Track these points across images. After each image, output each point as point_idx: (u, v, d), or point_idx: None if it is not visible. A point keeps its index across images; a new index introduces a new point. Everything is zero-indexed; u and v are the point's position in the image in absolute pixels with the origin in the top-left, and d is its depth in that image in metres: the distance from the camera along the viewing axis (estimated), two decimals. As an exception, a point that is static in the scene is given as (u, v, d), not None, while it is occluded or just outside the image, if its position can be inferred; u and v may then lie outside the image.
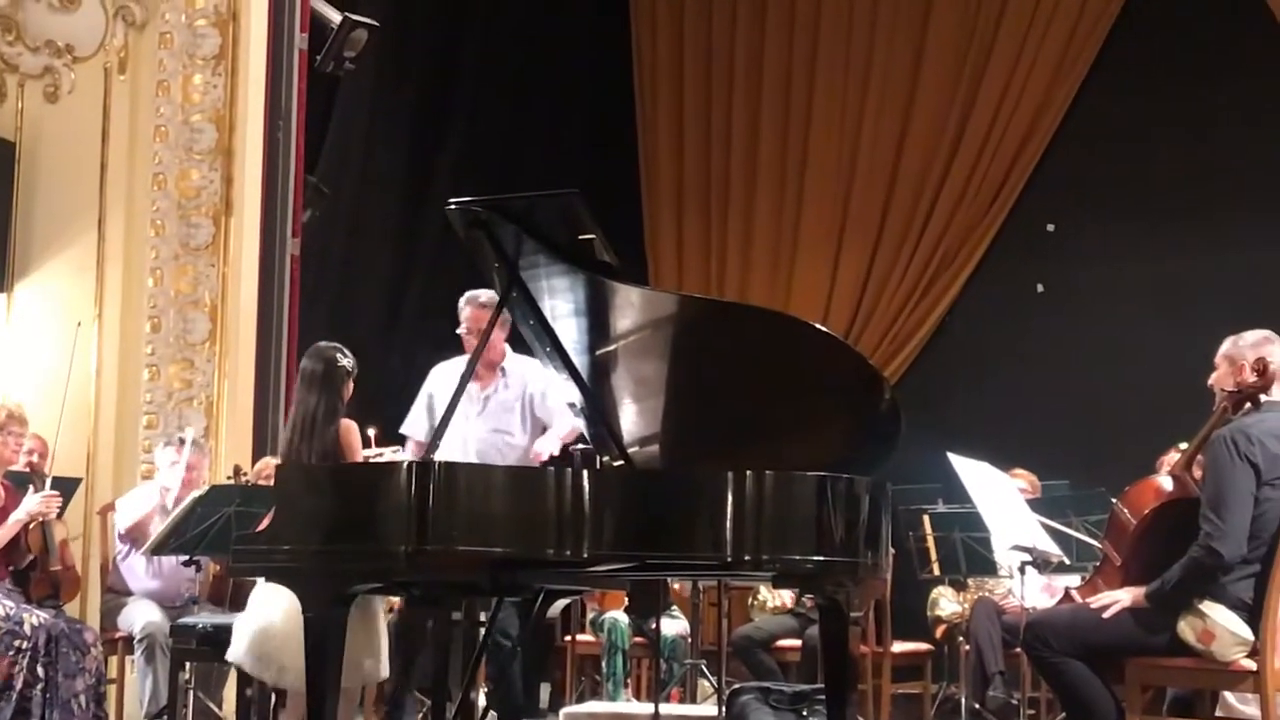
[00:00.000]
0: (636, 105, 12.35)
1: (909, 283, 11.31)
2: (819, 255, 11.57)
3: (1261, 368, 5.28)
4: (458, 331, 7.42)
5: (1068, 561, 6.58)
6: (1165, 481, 5.49)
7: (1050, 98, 11.02)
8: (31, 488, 6.95)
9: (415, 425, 7.38)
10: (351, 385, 6.46)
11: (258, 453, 8.17)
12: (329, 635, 5.65)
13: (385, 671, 6.23)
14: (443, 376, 7.38)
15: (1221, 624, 5.06)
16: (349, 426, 6.10)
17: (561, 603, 6.69)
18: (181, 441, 7.44)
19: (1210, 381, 5.53)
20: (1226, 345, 5.49)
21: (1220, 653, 5.08)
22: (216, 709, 7.28)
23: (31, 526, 6.98)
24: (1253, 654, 5.07)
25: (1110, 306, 10.61)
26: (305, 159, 8.88)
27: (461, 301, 7.42)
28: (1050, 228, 11.08)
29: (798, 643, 8.13)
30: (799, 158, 11.74)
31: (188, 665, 6.60)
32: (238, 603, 7.20)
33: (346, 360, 6.39)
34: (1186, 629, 5.11)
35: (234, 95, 8.56)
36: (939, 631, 8.61)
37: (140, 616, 7.00)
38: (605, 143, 12.11)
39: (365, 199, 10.56)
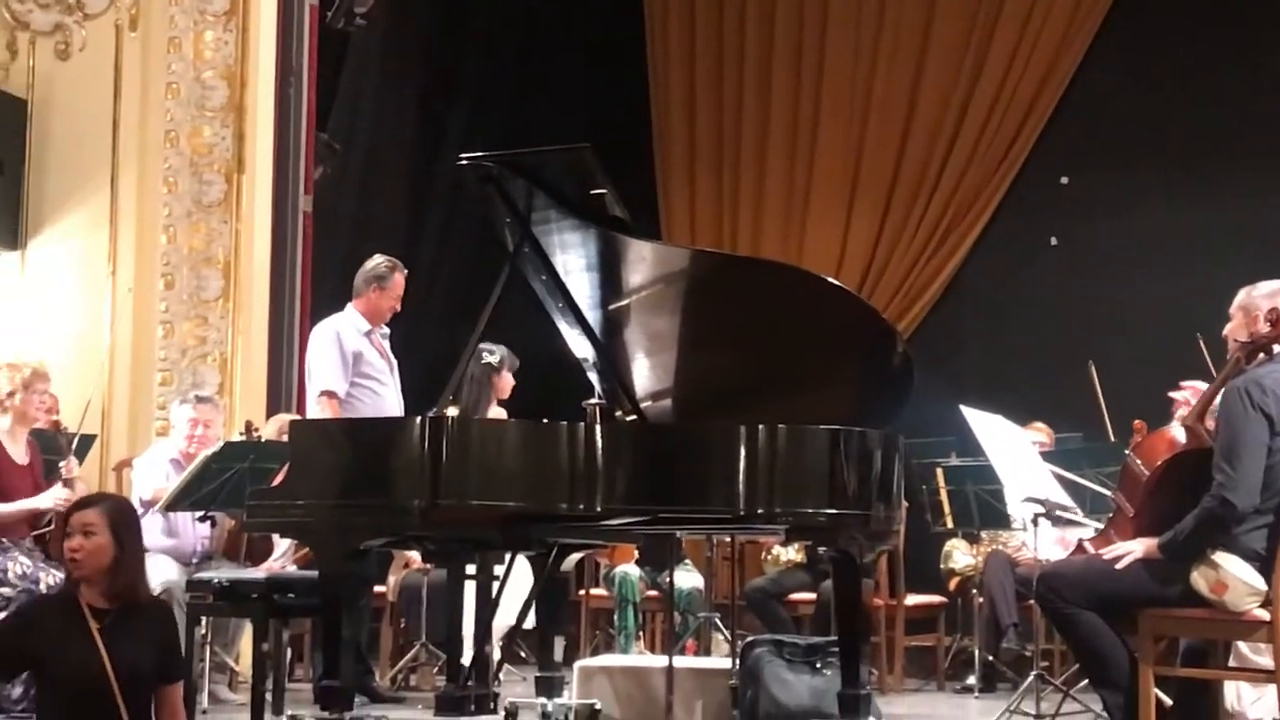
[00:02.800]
0: (648, 60, 12.30)
1: (922, 236, 11.28)
2: (832, 209, 11.54)
3: (1275, 318, 5.26)
4: (394, 299, 7.41)
5: (1080, 515, 6.58)
6: (1178, 432, 5.48)
7: (1063, 50, 10.96)
8: (61, 476, 6.95)
9: (337, 381, 7.30)
10: (506, 375, 6.83)
11: (271, 409, 8.20)
12: (343, 590, 5.68)
13: None
14: (350, 333, 7.32)
15: (1234, 574, 5.06)
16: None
17: (575, 557, 6.70)
18: (199, 399, 7.47)
19: (1224, 332, 5.52)
20: (1241, 296, 5.48)
21: (1233, 603, 5.08)
22: (233, 663, 7.32)
23: (54, 483, 7.02)
24: (1266, 604, 5.06)
25: (1124, 259, 10.58)
26: (316, 116, 8.88)
27: (397, 273, 7.40)
28: (1064, 181, 11.03)
29: (811, 596, 8.15)
30: (811, 112, 11.69)
31: (204, 620, 6.63)
32: (253, 557, 7.24)
33: (492, 357, 7.08)
34: (1199, 580, 5.11)
35: (245, 52, 8.56)
36: (952, 584, 8.63)
37: (156, 572, 7.01)
38: (617, 97, 12.07)
39: (376, 155, 10.55)
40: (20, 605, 4.51)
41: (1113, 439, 7.75)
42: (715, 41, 12.10)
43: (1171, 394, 6.44)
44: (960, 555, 8.57)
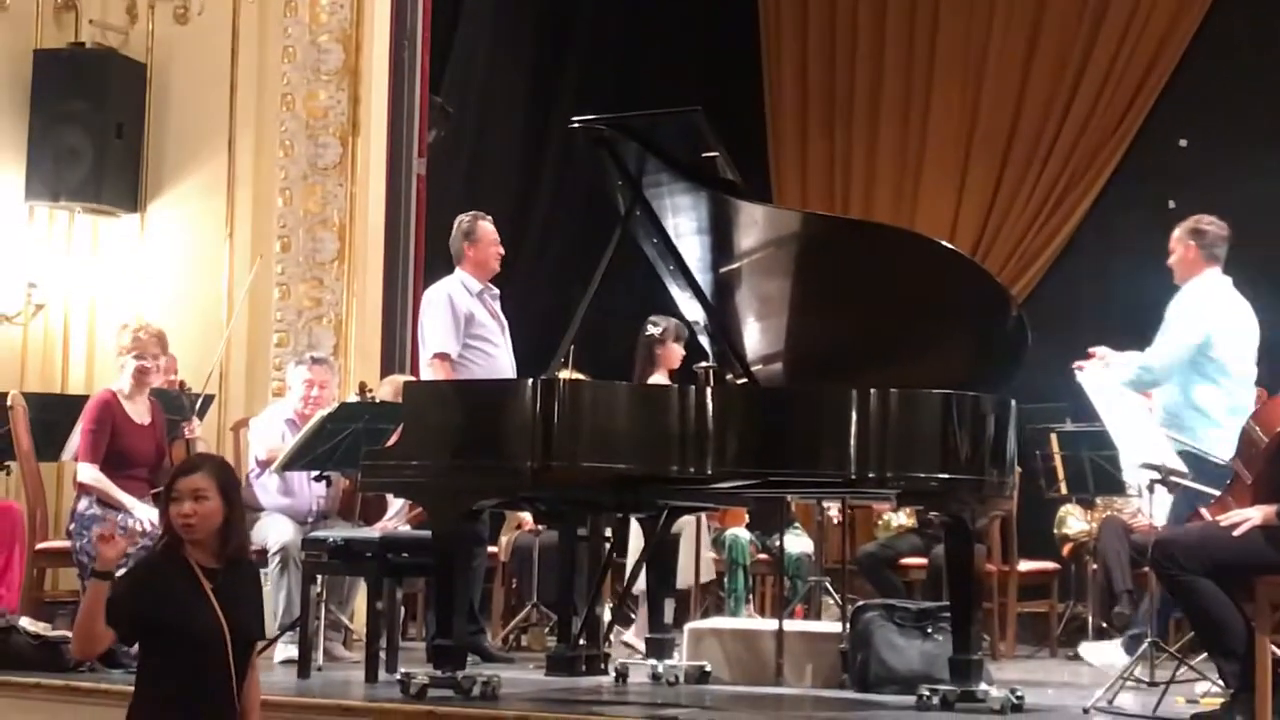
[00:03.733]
0: (760, 21, 12.24)
1: (1037, 200, 11.16)
2: (945, 171, 11.44)
3: (1400, 284, 5.17)
4: (491, 245, 7.39)
5: (1194, 484, 6.51)
6: (1298, 399, 5.41)
7: (1183, 11, 10.78)
8: (184, 435, 7.10)
9: (450, 343, 7.27)
10: (672, 346, 7.53)
11: (385, 370, 8.27)
12: (456, 550, 5.74)
13: None
14: (462, 295, 7.31)
15: (1354, 542, 4.99)
16: None
17: (686, 520, 6.72)
18: (314, 360, 7.55)
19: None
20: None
21: (1353, 571, 5.01)
22: (348, 621, 7.41)
23: (176, 443, 7.15)
24: (1387, 573, 4.99)
25: (1242, 223, 10.36)
26: (430, 79, 8.92)
27: (480, 221, 7.39)
28: (1182, 144, 10.86)
29: (923, 561, 8.11)
30: (925, 73, 11.59)
31: (319, 579, 6.71)
32: (367, 517, 7.32)
33: (654, 329, 7.41)
34: (1319, 548, 5.05)
35: (360, 15, 8.62)
36: (1066, 550, 8.56)
37: (273, 531, 7.12)
38: (728, 60, 12.02)
39: (489, 118, 10.60)
40: (131, 568, 4.57)
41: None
42: (828, 2, 12.01)
43: None
44: (1075, 521, 8.49)
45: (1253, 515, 5.19)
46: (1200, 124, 10.74)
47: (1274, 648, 5.20)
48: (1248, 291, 7.26)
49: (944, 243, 5.85)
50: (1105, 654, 7.04)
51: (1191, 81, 10.79)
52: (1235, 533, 5.18)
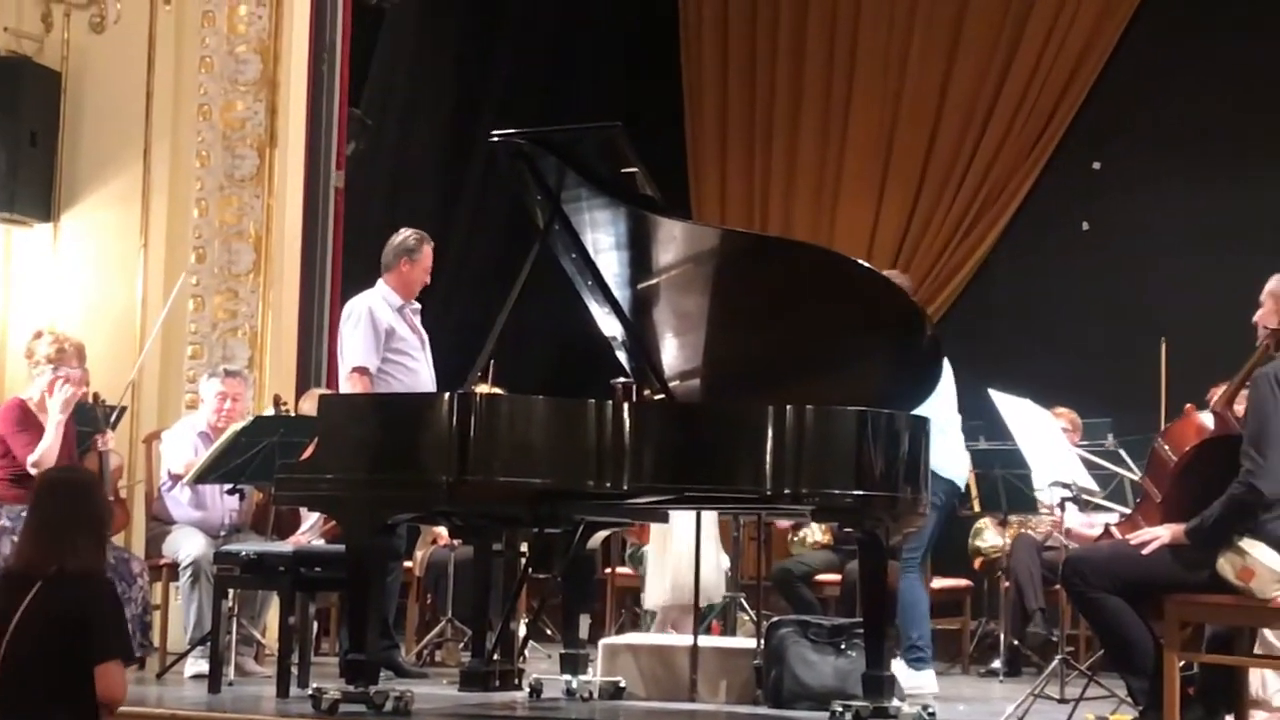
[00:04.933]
0: (681, 39, 12.28)
1: (953, 220, 11.26)
2: (863, 190, 11.52)
3: (1306, 306, 5.24)
4: (424, 271, 7.37)
5: (1105, 501, 6.59)
6: (1206, 419, 5.47)
7: (1096, 35, 10.91)
8: (97, 447, 7.05)
9: (369, 357, 7.21)
10: None
11: (301, 384, 8.23)
12: (370, 564, 5.71)
13: None
14: (383, 308, 7.29)
15: (1261, 561, 5.04)
16: None
17: (601, 535, 6.72)
18: (227, 373, 7.51)
19: (1255, 319, 5.50)
20: (1272, 283, 5.46)
21: (1260, 590, 5.06)
22: (259, 635, 7.36)
23: (88, 455, 7.08)
24: (1292, 592, 5.05)
25: (1155, 244, 10.54)
26: (349, 91, 8.89)
27: (425, 245, 7.36)
28: (1096, 166, 10.99)
29: (837, 577, 8.15)
30: (844, 91, 11.66)
31: (231, 592, 6.66)
32: (281, 530, 7.27)
33: None
34: (1226, 566, 5.10)
35: (279, 26, 8.57)
36: (978, 563, 8.63)
37: (185, 544, 7.06)
38: (649, 76, 12.06)
39: (409, 132, 10.56)
40: None
41: (1164, 423, 7.72)
42: (749, 20, 12.07)
43: None
44: (990, 535, 8.57)
45: (1161, 534, 5.25)
46: (1114, 147, 10.88)
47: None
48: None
49: (860, 261, 5.89)
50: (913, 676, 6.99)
51: (1105, 105, 10.92)
52: (1144, 551, 5.24)
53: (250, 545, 6.64)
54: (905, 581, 6.90)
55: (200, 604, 6.89)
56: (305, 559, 6.40)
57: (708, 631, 7.86)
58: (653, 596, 8.06)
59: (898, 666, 6.52)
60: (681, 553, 7.73)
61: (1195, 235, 10.36)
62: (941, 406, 6.50)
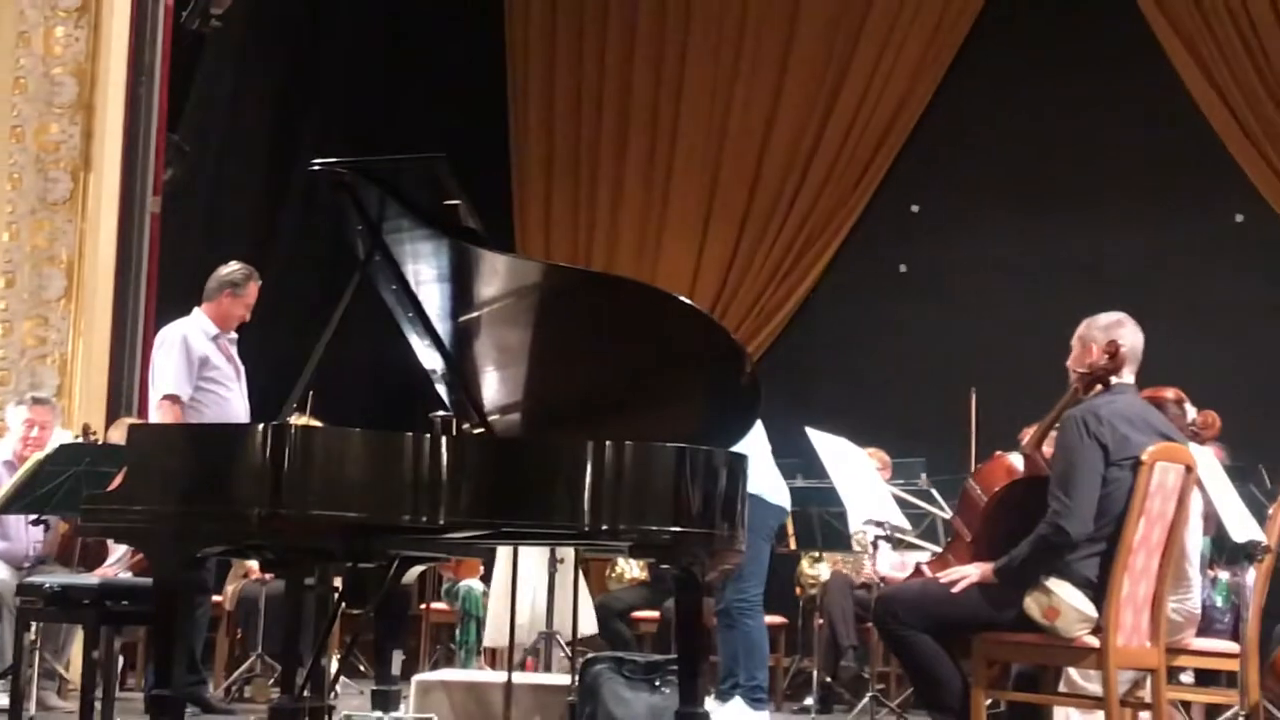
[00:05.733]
0: (508, 73, 12.30)
1: (774, 259, 11.39)
2: (686, 229, 11.61)
3: (1113, 350, 5.36)
4: (246, 307, 7.29)
5: (917, 540, 6.68)
6: (1016, 460, 5.56)
7: (916, 82, 11.14)
8: None
9: (182, 385, 7.14)
10: None
11: (112, 412, 8.06)
12: (178, 598, 5.59)
13: None
14: (198, 337, 7.20)
15: (1066, 601, 5.14)
16: None
17: (416, 570, 6.65)
18: (34, 400, 7.33)
19: (1068, 362, 5.61)
20: (1081, 327, 5.57)
21: (1065, 629, 5.16)
22: (63, 670, 7.18)
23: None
24: (1096, 631, 5.15)
25: (971, 287, 10.76)
26: (168, 116, 8.75)
27: (252, 282, 7.30)
28: (914, 209, 11.20)
29: (655, 614, 8.16)
30: (669, 130, 11.76)
31: (34, 625, 6.49)
32: (87, 562, 7.10)
33: None
34: (1032, 605, 5.18)
35: (96, 49, 8.43)
36: (798, 591, 8.72)
37: (-13, 575, 6.88)
38: (475, 108, 12.04)
39: (229, 159, 10.42)
40: None
41: (975, 463, 7.86)
42: (576, 56, 12.12)
43: None
44: (823, 566, 8.65)
45: (971, 572, 5.32)
46: (931, 191, 11.09)
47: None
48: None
49: (682, 298, 5.90)
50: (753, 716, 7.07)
51: (924, 150, 11.14)
52: (954, 589, 5.31)
53: (55, 577, 6.48)
54: (754, 620, 6.95)
55: (1, 637, 6.71)
56: (111, 592, 6.25)
57: (522, 668, 7.83)
58: (499, 631, 7.94)
59: (737, 705, 6.56)
60: (537, 586, 7.69)
61: (1009, 277, 10.59)
62: (756, 439, 6.55)
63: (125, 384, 8.28)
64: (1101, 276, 10.05)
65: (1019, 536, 5.25)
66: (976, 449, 8.17)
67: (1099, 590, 5.16)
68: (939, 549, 6.08)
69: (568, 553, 7.61)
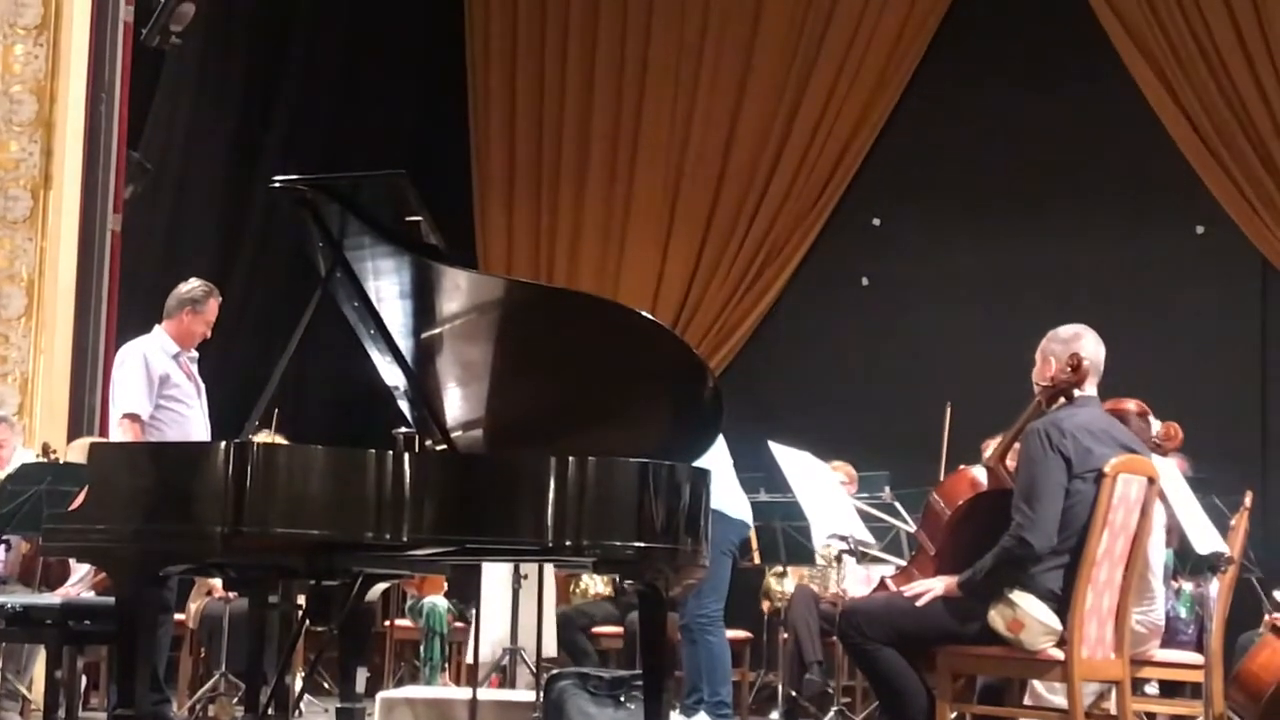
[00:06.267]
0: (469, 88, 12.29)
1: (736, 274, 11.40)
2: (648, 244, 11.62)
3: (1075, 363, 5.38)
4: (206, 324, 7.26)
5: (881, 553, 6.69)
6: (979, 473, 5.58)
7: (876, 96, 11.17)
8: None
9: (142, 403, 7.10)
10: None
11: (73, 430, 8.02)
12: (141, 617, 5.57)
13: None
14: (158, 355, 7.18)
15: (1030, 613, 5.15)
16: None
17: (380, 587, 6.64)
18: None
19: (1032, 375, 5.62)
20: (1045, 340, 5.59)
21: (1029, 642, 5.17)
22: (25, 691, 7.13)
23: None
24: (1060, 643, 5.16)
25: (934, 300, 10.79)
26: (128, 134, 8.72)
27: (212, 299, 7.28)
28: (876, 222, 11.24)
29: (619, 629, 8.15)
30: (630, 145, 11.77)
31: (-5, 646, 6.46)
32: (49, 582, 7.06)
33: None
34: (997, 618, 5.20)
35: (56, 67, 8.38)
36: (765, 606, 8.72)
37: (-53, 596, 6.82)
38: (436, 125, 12.04)
39: (190, 176, 10.39)
40: None
41: (943, 476, 7.86)
42: (537, 70, 12.13)
43: None
44: (788, 582, 8.65)
45: (935, 586, 5.33)
46: (893, 204, 11.12)
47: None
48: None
49: (644, 313, 5.90)
50: None
51: (885, 163, 11.17)
52: (918, 603, 5.32)
53: (17, 597, 6.44)
54: (715, 636, 6.95)
55: (-38, 658, 6.66)
56: (74, 612, 6.22)
57: (487, 684, 7.80)
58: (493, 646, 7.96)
59: None
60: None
61: (971, 290, 10.63)
62: (718, 454, 6.56)
63: (86, 402, 8.23)
64: (1063, 289, 10.10)
65: (983, 549, 5.27)
66: (947, 463, 8.18)
67: (1063, 602, 5.18)
68: (903, 562, 6.09)
69: (531, 568, 7.60)
